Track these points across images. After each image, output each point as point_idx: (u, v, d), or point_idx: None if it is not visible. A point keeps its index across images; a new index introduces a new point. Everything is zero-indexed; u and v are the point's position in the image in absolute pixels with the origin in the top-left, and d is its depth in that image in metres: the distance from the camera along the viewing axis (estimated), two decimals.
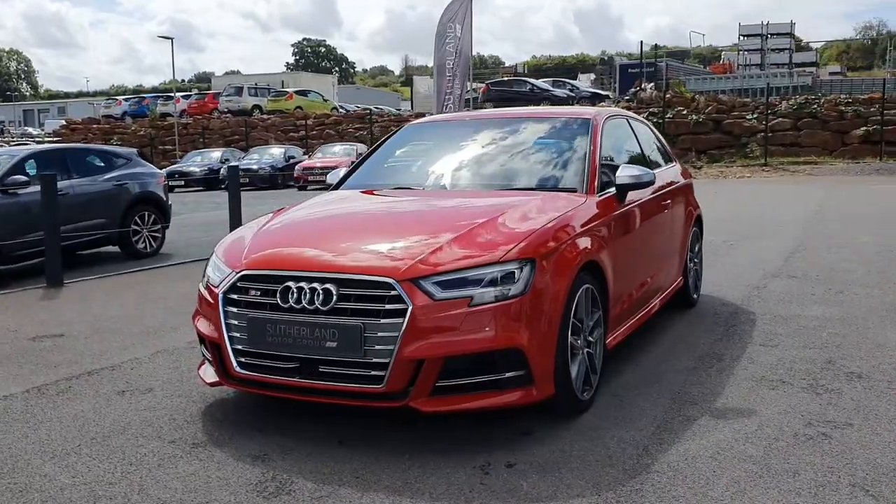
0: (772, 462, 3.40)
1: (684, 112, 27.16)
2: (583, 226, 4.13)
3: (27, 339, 5.78)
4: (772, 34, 38.77)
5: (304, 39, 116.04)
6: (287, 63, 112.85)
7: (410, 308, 3.43)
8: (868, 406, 4.07)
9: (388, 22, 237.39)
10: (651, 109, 27.69)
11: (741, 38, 40.51)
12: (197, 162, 29.66)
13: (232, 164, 25.65)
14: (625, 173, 4.65)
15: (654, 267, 5.32)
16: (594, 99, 31.85)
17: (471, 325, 3.48)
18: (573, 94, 32.49)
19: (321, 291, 3.56)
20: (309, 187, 26.42)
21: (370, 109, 35.92)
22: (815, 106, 26.11)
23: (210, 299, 3.94)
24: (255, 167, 27.59)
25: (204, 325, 4.01)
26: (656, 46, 32.51)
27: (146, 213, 11.45)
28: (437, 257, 3.61)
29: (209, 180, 27.73)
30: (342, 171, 5.46)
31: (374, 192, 4.96)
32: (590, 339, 4.06)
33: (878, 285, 7.22)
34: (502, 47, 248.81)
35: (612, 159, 4.99)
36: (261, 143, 33.67)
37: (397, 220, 4.27)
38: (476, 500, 3.10)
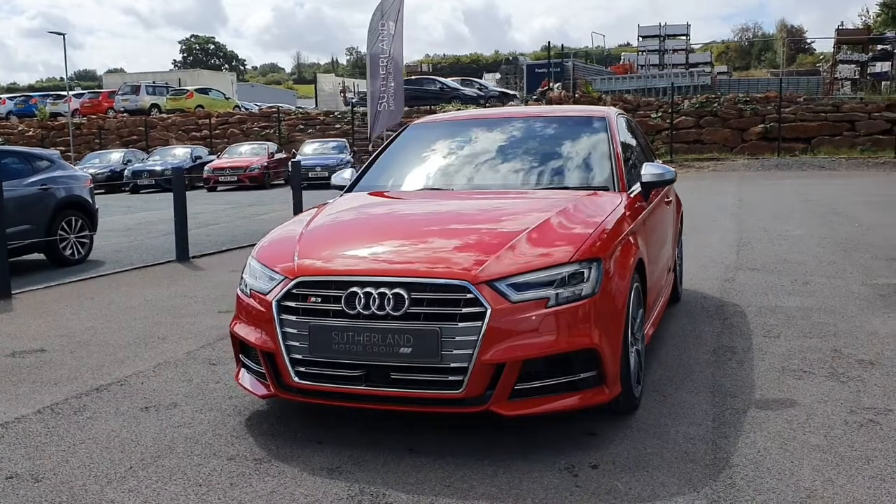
0: (840, 450, 3.52)
1: None
2: (629, 224, 4.16)
3: (5, 356, 5.38)
4: (668, 35, 40.33)
5: (192, 36, 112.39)
6: (174, 61, 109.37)
7: (489, 311, 3.37)
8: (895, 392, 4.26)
9: (276, 19, 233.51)
10: None
11: (640, 38, 41.95)
12: (96, 164, 28.34)
13: (182, 164, 24.81)
14: (648, 171, 4.72)
15: (664, 263, 5.42)
16: (502, 98, 32.21)
17: (549, 327, 3.45)
18: (482, 94, 32.77)
19: (391, 296, 3.46)
20: (219, 188, 25.73)
21: (278, 107, 35.19)
22: (716, 105, 27.25)
23: (260, 307, 3.76)
24: (159, 168, 26.56)
25: (251, 335, 3.82)
26: (562, 47, 33.18)
27: (73, 218, 10.89)
28: (507, 259, 3.56)
29: (112, 183, 26.59)
30: (348, 172, 5.32)
31: (401, 195, 4.85)
32: (636, 336, 4.10)
33: (836, 275, 7.59)
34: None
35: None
36: (161, 144, 32.55)
37: (448, 221, 4.17)
38: (581, 503, 3.07)
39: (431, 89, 32.05)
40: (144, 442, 3.78)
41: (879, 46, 33.34)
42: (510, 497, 3.12)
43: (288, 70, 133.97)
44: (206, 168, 25.98)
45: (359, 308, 3.49)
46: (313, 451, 3.60)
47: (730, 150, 26.55)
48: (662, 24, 40.23)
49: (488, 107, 30.10)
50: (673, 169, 4.88)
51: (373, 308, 3.47)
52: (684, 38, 40.93)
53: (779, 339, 5.39)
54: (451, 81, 34.19)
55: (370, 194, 4.93)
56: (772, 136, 26.15)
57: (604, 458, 3.47)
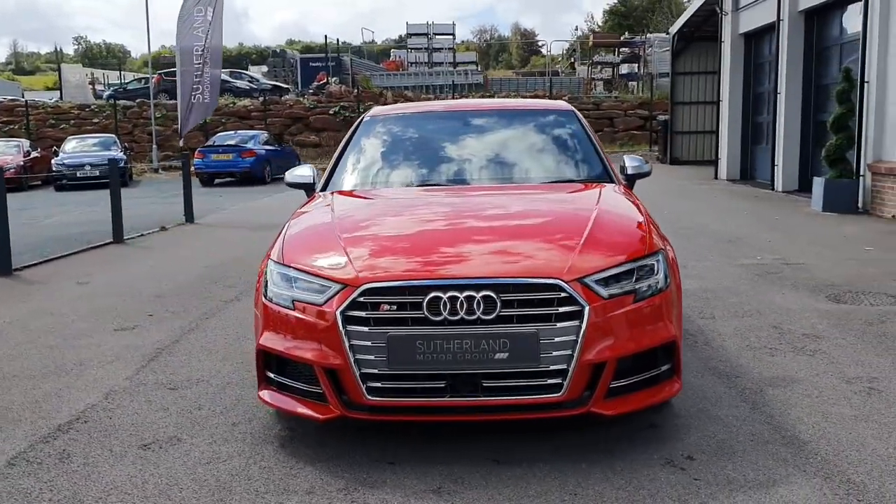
0: (876, 417, 3.80)
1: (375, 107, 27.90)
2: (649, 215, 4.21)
3: None
4: (436, 34, 41.40)
5: None
6: None
7: (587, 309, 3.26)
8: (862, 360, 4.68)
9: None
10: (342, 103, 28.02)
11: (409, 36, 42.68)
12: None
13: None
14: (630, 164, 4.81)
15: None
16: (276, 91, 31.38)
17: (638, 322, 3.40)
18: (255, 86, 31.69)
19: (481, 300, 3.23)
20: None
21: (25, 100, 31.61)
22: None
23: (314, 320, 3.35)
24: None
25: (300, 351, 3.40)
26: (338, 41, 32.89)
27: None
28: (589, 255, 3.45)
29: None
30: (307, 170, 4.87)
31: (407, 193, 4.52)
32: None
33: (703, 259, 8.23)
34: (122, 36, 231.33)
35: None
36: None
37: (495, 219, 3.94)
38: (716, 497, 3.06)
39: None
40: (185, 485, 3.23)
41: (627, 49, 36.57)
42: (645, 497, 3.04)
43: (2, 59, 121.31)
44: None
45: (445, 314, 3.23)
46: (396, 473, 3.28)
47: None
48: (430, 23, 41.33)
49: (262, 99, 29.17)
50: (647, 162, 5.01)
51: (461, 313, 3.23)
52: (450, 36, 42.34)
53: (715, 319, 5.73)
54: (222, 73, 32.64)
55: (356, 194, 4.55)
56: None
57: (689, 448, 3.49)
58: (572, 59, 57.05)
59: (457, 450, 3.49)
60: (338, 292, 3.35)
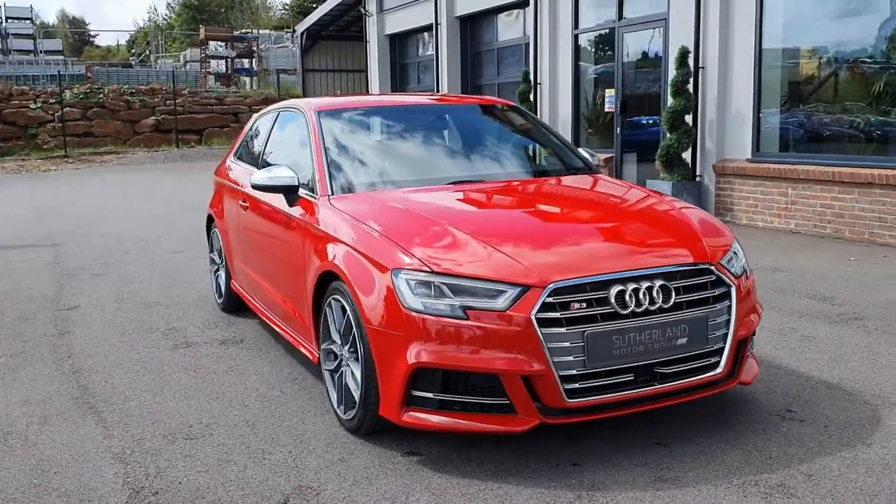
0: (844, 358, 4.59)
1: None
2: None
3: None
4: (10, 18, 35.89)
5: None
6: None
7: (733, 288, 3.50)
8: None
9: None
10: None
11: None
12: None
13: None
14: (587, 156, 5.05)
15: None
16: None
17: (753, 300, 3.74)
18: None
19: (659, 289, 3.29)
20: None
21: None
22: (102, 95, 25.92)
23: (505, 326, 3.09)
24: None
25: (481, 361, 3.10)
26: None
27: None
28: (709, 240, 3.63)
29: None
30: (287, 171, 4.23)
31: (438, 190, 4.16)
32: None
33: None
34: None
35: None
36: None
37: (592, 212, 3.93)
38: (860, 436, 3.50)
39: None
40: None
41: (240, 44, 35.75)
42: (813, 445, 3.39)
43: None
44: None
45: (632, 306, 3.23)
46: (599, 472, 3.18)
47: (123, 142, 25.68)
48: (2, 6, 35.90)
49: None
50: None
51: (645, 304, 3.26)
52: (29, 22, 37.23)
53: None
54: None
55: (407, 192, 4.07)
56: (165, 127, 26.16)
57: (777, 404, 3.89)
58: (147, 52, 54.04)
59: (614, 442, 3.49)
60: (521, 295, 3.13)
